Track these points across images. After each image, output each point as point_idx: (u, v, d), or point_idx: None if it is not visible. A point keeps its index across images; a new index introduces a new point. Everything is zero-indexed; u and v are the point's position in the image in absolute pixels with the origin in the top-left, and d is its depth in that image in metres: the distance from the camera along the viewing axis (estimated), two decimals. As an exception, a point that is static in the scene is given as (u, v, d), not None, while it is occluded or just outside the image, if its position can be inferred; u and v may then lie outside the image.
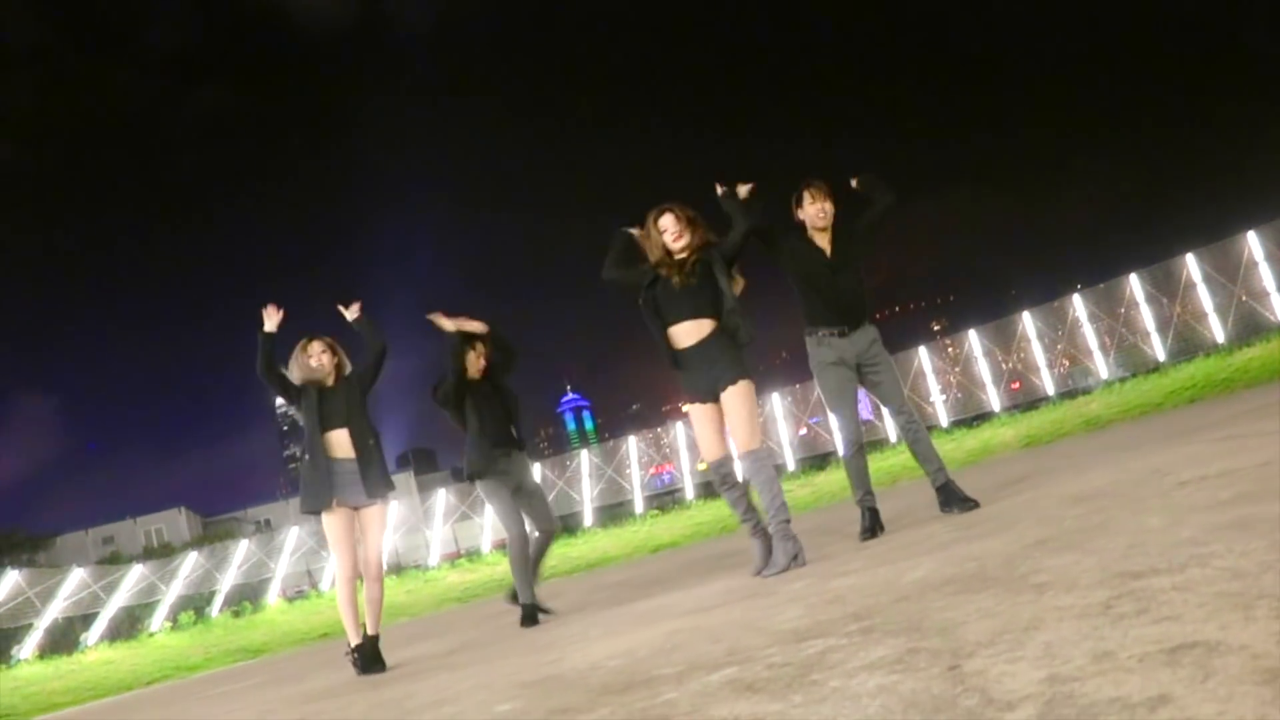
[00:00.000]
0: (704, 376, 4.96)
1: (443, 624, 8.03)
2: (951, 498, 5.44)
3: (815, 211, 5.56)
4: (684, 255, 5.04)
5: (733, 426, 4.95)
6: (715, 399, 4.99)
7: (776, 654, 2.28)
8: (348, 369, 5.74)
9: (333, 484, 5.33)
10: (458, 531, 37.91)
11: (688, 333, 4.98)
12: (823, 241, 5.58)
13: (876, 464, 27.69)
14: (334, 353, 5.69)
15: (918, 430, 5.67)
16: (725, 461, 5.06)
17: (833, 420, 5.80)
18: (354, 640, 5.35)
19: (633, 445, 33.83)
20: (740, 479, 5.10)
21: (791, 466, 31.10)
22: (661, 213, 5.09)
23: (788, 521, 4.79)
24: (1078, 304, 30.67)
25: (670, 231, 5.04)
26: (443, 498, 32.80)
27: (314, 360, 5.57)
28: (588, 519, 31.69)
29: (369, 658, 5.30)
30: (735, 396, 4.91)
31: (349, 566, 5.36)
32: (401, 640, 9.05)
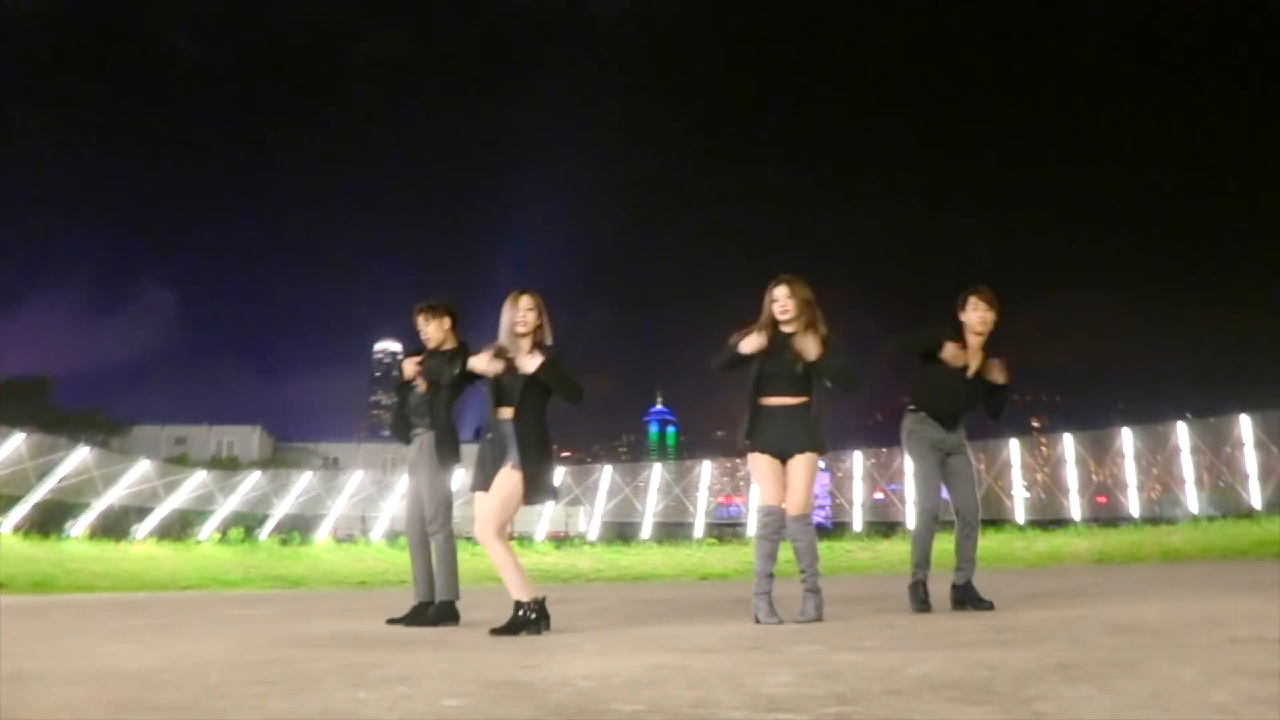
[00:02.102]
0: (782, 438, 5.16)
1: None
2: (967, 595, 5.69)
3: (977, 319, 5.82)
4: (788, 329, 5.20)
5: (794, 489, 5.16)
6: (783, 459, 5.19)
7: (740, 717, 2.11)
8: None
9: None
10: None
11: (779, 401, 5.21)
12: (973, 347, 5.84)
13: (940, 544, 27.04)
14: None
15: (971, 530, 5.89)
16: (782, 513, 5.19)
17: (914, 489, 5.79)
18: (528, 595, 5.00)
19: (706, 469, 33.61)
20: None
21: (858, 527, 30.56)
22: (778, 283, 5.26)
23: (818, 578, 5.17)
24: (1181, 431, 29.64)
25: (780, 304, 5.21)
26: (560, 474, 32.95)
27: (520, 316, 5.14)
28: (645, 531, 31.53)
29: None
30: (806, 464, 5.18)
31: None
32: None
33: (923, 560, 5.78)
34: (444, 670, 3.19)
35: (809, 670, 2.89)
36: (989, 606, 5.48)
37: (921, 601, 5.61)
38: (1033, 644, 3.41)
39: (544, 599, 4.97)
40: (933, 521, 5.81)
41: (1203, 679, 2.38)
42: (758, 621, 4.88)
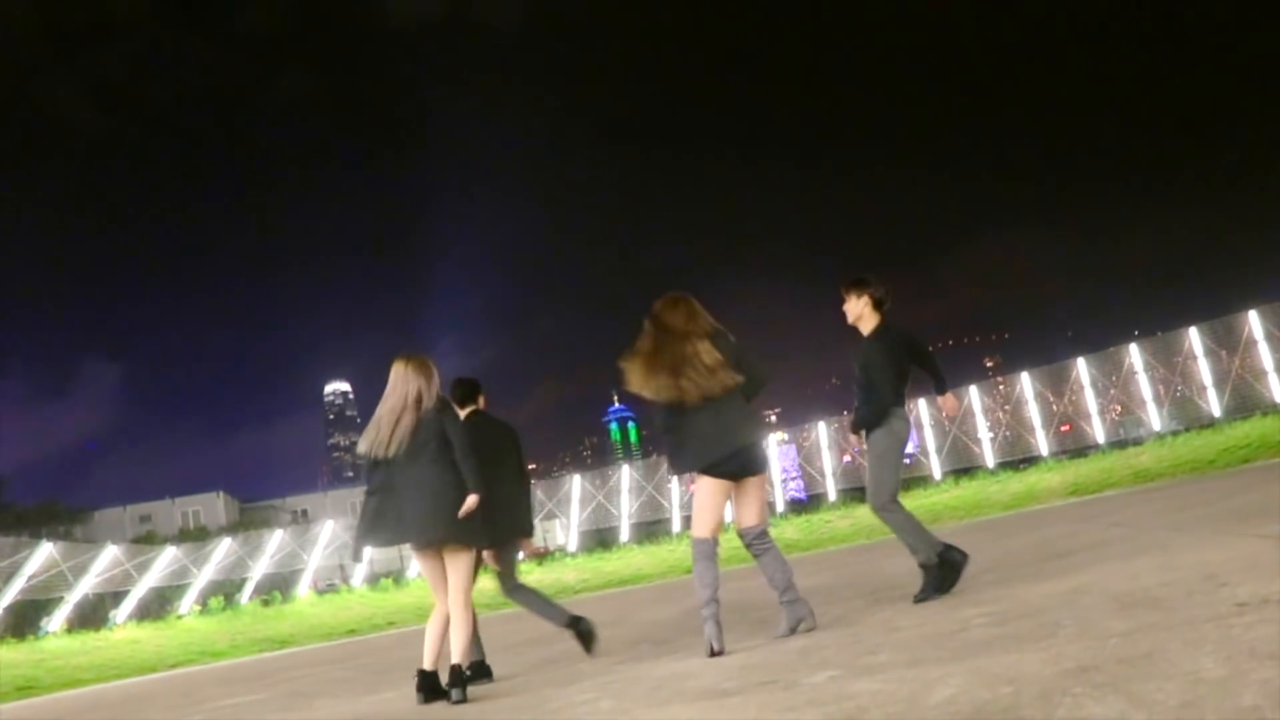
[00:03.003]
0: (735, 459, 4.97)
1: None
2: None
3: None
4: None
5: (757, 505, 5.10)
6: (736, 478, 5.04)
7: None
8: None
9: None
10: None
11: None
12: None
13: (918, 501, 27.29)
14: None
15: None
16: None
17: (891, 480, 5.71)
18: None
19: (673, 463, 33.55)
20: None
21: (833, 496, 30.75)
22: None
23: (795, 589, 5.10)
24: (1134, 353, 30.11)
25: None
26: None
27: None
28: (624, 534, 31.49)
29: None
30: (762, 482, 5.18)
31: None
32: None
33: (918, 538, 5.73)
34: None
35: (833, 710, 2.86)
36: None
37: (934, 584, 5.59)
38: (1043, 639, 3.41)
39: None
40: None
41: (1227, 673, 2.38)
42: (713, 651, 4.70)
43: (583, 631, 6.07)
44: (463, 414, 5.74)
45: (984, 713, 2.48)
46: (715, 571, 4.92)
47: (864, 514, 25.84)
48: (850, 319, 5.90)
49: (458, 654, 4.90)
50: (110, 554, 26.59)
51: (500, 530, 5.54)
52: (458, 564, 5.05)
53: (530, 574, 27.26)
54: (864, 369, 5.77)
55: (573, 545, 30.70)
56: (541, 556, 30.72)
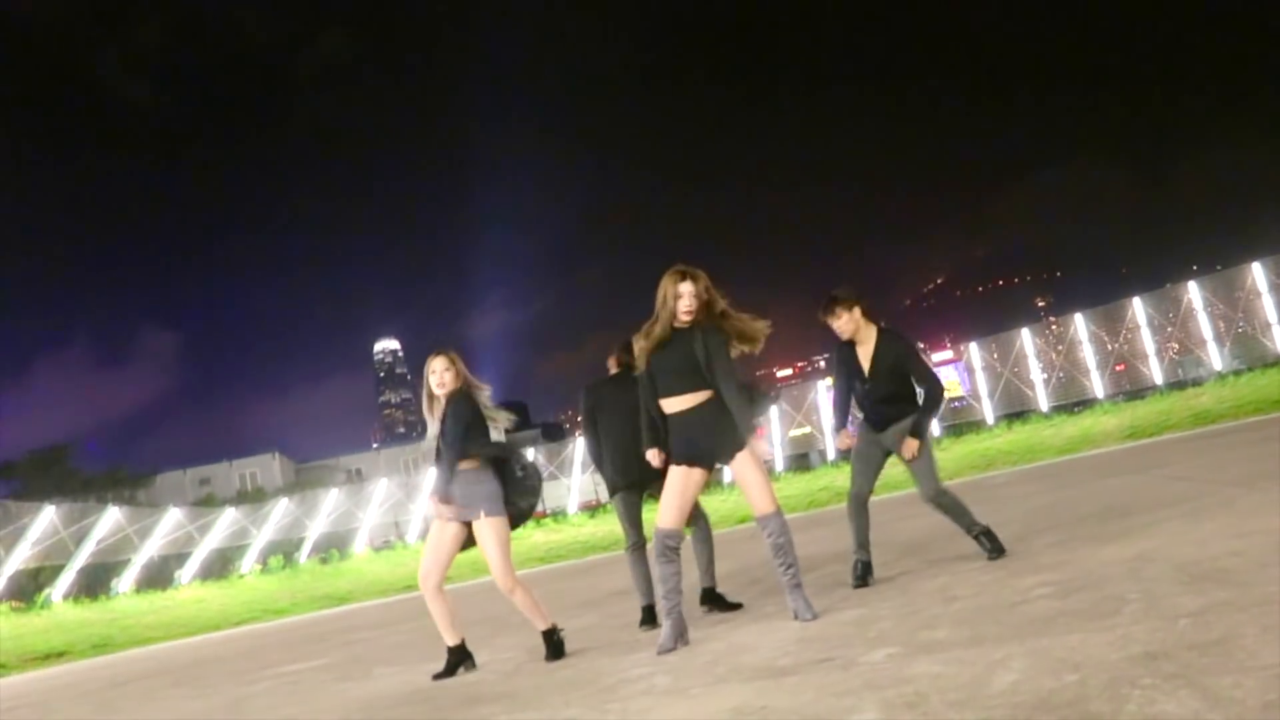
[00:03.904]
0: (701, 442, 4.85)
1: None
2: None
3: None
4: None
5: (758, 487, 4.84)
6: (706, 465, 4.91)
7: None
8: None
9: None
10: (545, 490, 38.14)
11: (682, 402, 4.88)
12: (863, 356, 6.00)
13: (970, 446, 26.95)
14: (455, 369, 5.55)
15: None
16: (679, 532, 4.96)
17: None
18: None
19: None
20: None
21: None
22: (683, 278, 4.89)
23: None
24: (1193, 290, 29.37)
25: (685, 300, 4.86)
26: (530, 457, 32.94)
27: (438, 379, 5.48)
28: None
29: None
30: (750, 460, 4.87)
31: None
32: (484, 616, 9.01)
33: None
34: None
35: (892, 697, 2.81)
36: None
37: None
38: (1107, 615, 3.32)
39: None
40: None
41: (1305, 665, 2.29)
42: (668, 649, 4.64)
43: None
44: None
45: (1048, 704, 2.42)
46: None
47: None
48: (847, 335, 5.93)
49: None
50: (173, 517, 27.16)
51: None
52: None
53: (583, 527, 27.48)
54: (894, 370, 5.87)
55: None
56: (593, 509, 30.92)
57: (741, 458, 4.82)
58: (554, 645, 5.35)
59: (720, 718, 3.01)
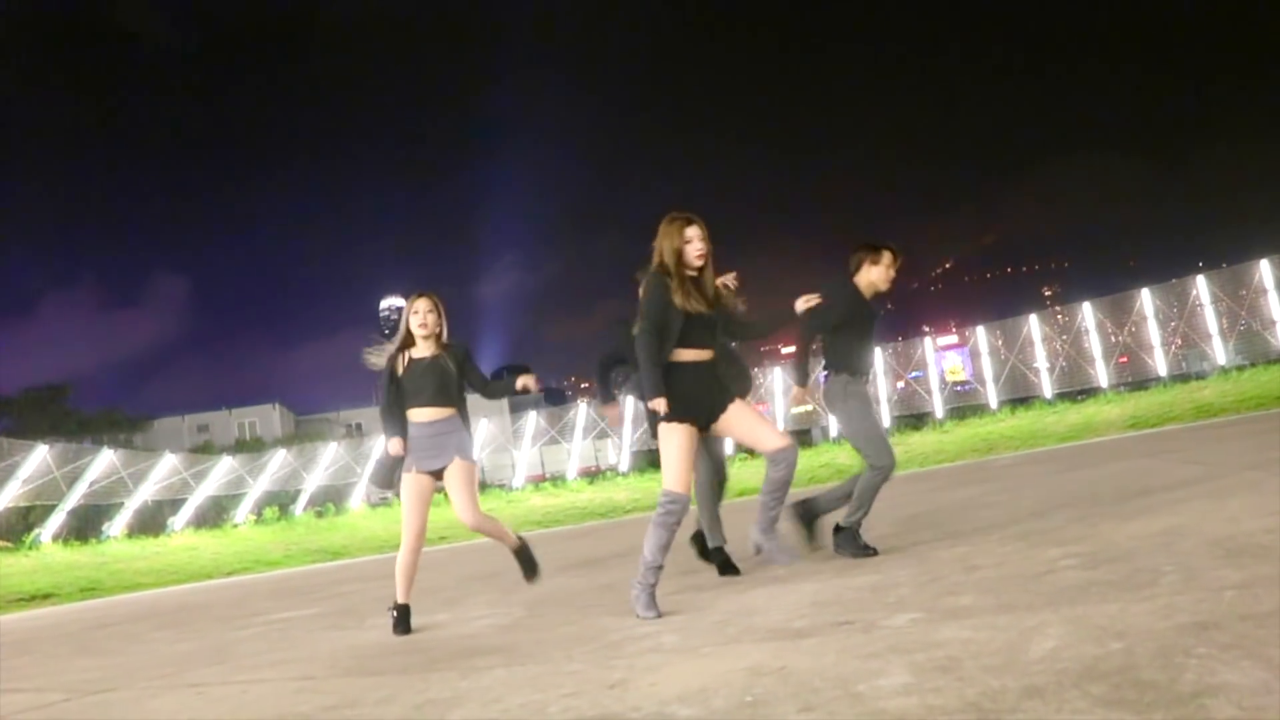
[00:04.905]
0: (705, 400, 4.63)
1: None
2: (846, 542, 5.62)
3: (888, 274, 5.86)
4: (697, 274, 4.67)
5: (766, 425, 4.72)
6: (706, 426, 4.65)
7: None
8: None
9: None
10: (544, 455, 38.09)
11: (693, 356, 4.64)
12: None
13: (973, 430, 26.88)
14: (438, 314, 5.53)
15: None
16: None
17: (871, 449, 5.50)
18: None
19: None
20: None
21: (887, 423, 30.35)
22: (689, 222, 4.65)
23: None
24: (1200, 285, 29.29)
25: (695, 245, 4.63)
26: (533, 420, 32.82)
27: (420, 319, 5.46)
28: (624, 466, 31.13)
29: None
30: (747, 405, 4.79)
31: None
32: (468, 575, 8.88)
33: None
34: (524, 701, 2.96)
35: (920, 660, 2.65)
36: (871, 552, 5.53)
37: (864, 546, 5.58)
38: (1145, 586, 3.16)
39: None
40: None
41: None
42: (637, 616, 4.40)
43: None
44: None
45: (1095, 671, 2.26)
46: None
47: (916, 441, 25.57)
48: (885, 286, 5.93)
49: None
50: (169, 462, 27.03)
51: None
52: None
53: (582, 492, 27.39)
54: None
55: (624, 465, 30.66)
56: (592, 475, 30.82)
57: (738, 405, 4.68)
58: (527, 560, 5.68)
59: (735, 677, 2.85)
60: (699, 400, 4.58)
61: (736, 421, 4.65)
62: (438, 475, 5.41)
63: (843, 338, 5.71)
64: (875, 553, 5.48)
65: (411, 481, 5.39)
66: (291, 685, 4.00)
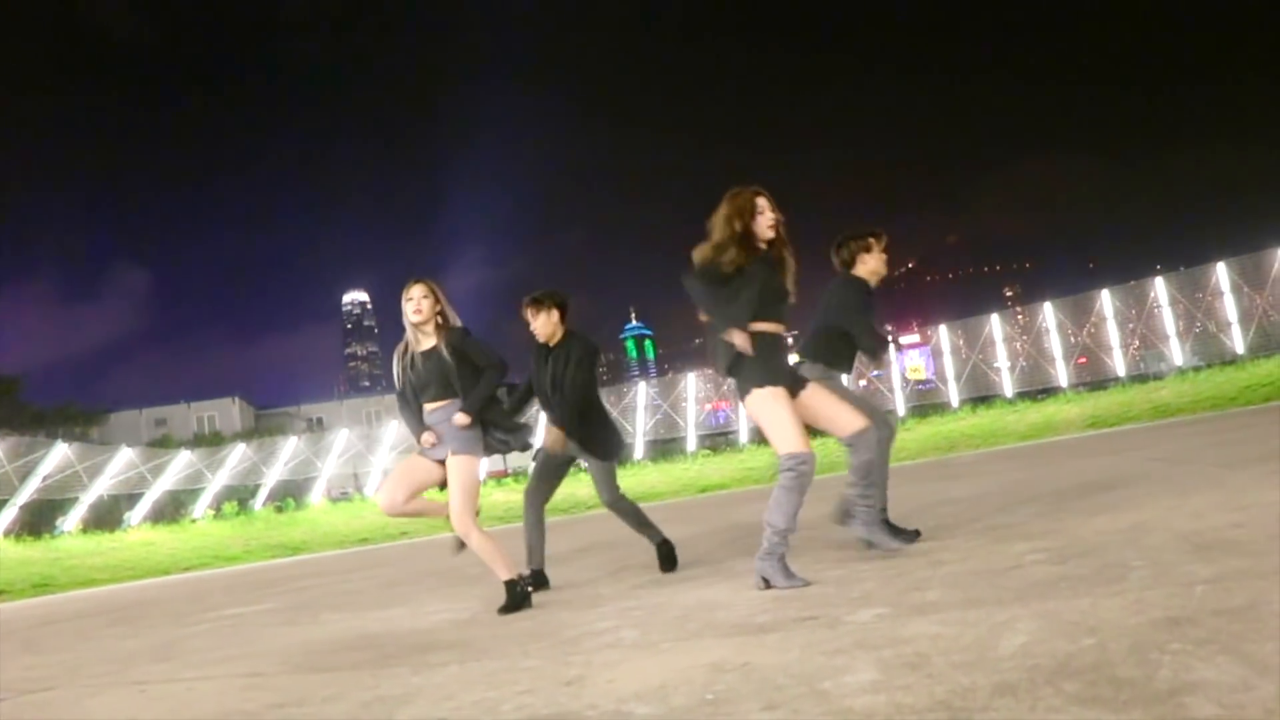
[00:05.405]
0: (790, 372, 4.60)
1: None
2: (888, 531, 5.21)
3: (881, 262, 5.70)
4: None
5: (844, 406, 4.61)
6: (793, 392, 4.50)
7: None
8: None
9: None
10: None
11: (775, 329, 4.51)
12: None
13: (935, 428, 27.05)
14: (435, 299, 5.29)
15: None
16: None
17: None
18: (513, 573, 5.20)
19: (692, 382, 33.53)
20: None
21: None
22: (758, 193, 4.55)
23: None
24: (1159, 286, 29.68)
25: (767, 215, 4.54)
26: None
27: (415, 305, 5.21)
28: (639, 452, 31.43)
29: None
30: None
31: None
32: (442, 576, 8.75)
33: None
34: (478, 699, 2.86)
35: (888, 655, 2.57)
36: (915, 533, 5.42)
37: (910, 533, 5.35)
38: (1115, 581, 3.11)
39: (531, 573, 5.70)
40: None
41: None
42: (767, 586, 4.25)
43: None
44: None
45: (1068, 668, 2.18)
46: None
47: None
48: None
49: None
50: (125, 456, 26.62)
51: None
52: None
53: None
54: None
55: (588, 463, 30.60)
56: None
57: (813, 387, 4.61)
58: (514, 597, 5.02)
59: (696, 673, 2.76)
60: (788, 372, 4.56)
61: (810, 401, 4.56)
62: (443, 464, 5.19)
63: (837, 331, 5.47)
64: (919, 534, 5.40)
65: (411, 457, 5.30)
66: (238, 682, 3.86)
